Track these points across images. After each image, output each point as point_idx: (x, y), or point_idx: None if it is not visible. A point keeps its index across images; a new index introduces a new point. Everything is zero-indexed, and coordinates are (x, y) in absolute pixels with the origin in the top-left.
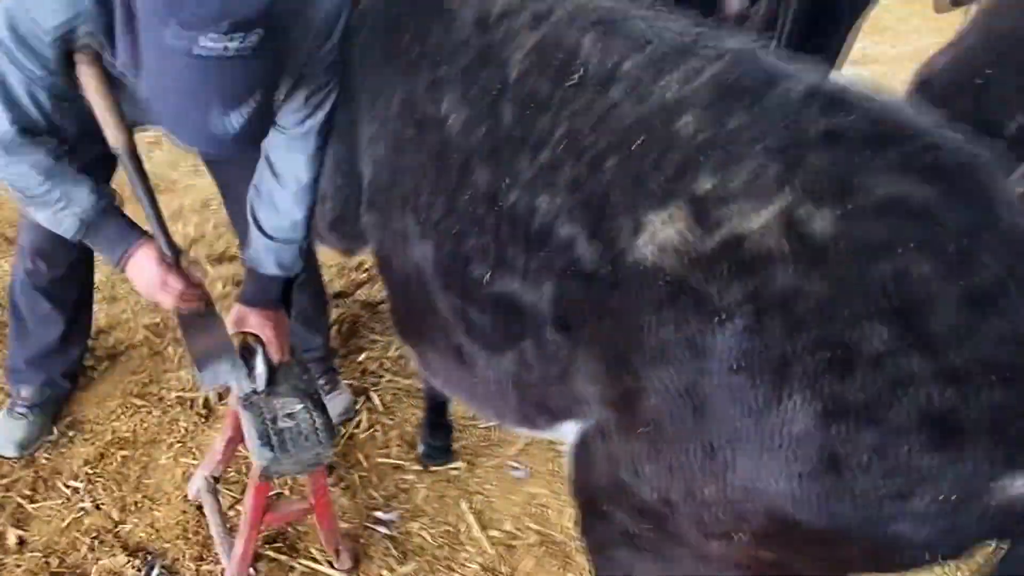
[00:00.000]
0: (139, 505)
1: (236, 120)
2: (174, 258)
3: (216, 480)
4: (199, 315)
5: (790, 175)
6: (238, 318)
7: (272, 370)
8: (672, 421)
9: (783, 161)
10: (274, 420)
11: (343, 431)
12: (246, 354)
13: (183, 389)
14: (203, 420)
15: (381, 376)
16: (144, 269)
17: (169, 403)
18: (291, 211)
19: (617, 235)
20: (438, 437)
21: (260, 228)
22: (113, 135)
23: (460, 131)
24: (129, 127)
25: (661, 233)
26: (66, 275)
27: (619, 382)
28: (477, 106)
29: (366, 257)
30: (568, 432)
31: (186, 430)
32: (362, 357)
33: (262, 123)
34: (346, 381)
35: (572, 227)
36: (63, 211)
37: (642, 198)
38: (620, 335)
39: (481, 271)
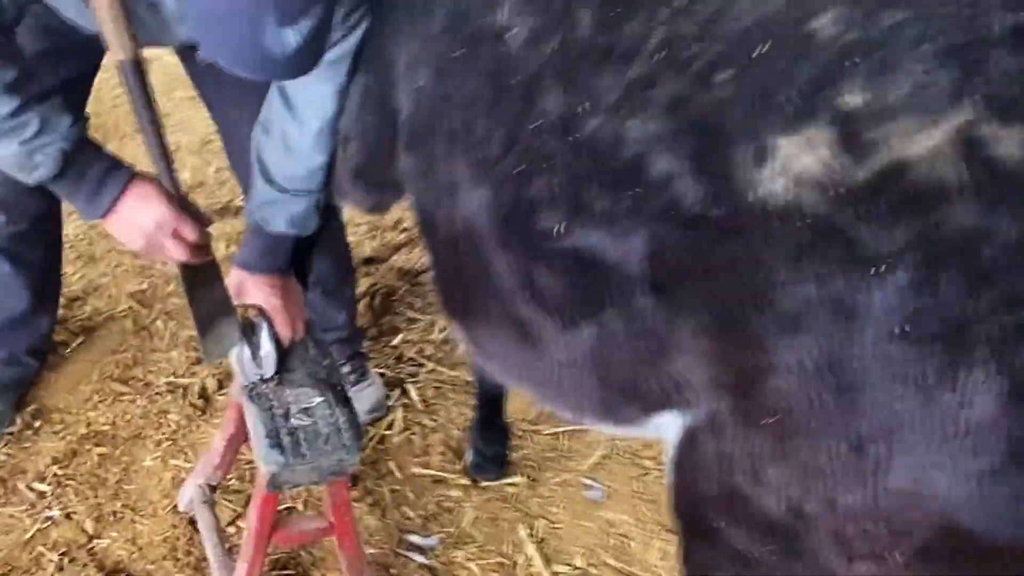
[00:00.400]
0: (118, 516)
1: (293, 37)
2: (181, 200)
3: (213, 489)
4: (206, 270)
5: (968, 84)
6: (236, 286)
7: (282, 352)
8: (809, 408)
9: (958, 66)
10: (286, 416)
11: (372, 433)
12: (248, 332)
13: (174, 374)
14: (198, 413)
15: (421, 365)
16: (144, 213)
17: (157, 390)
18: (309, 155)
19: (733, 167)
20: (491, 443)
21: (267, 176)
22: (121, 45)
23: (524, 45)
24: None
25: (796, 162)
26: (30, 230)
27: (736, 358)
28: (546, 12)
29: (403, 213)
30: (666, 428)
31: (177, 425)
32: (397, 340)
33: (319, 44)
34: (377, 370)
35: (672, 160)
36: (37, 141)
37: (768, 119)
38: (737, 296)
39: (551, 221)
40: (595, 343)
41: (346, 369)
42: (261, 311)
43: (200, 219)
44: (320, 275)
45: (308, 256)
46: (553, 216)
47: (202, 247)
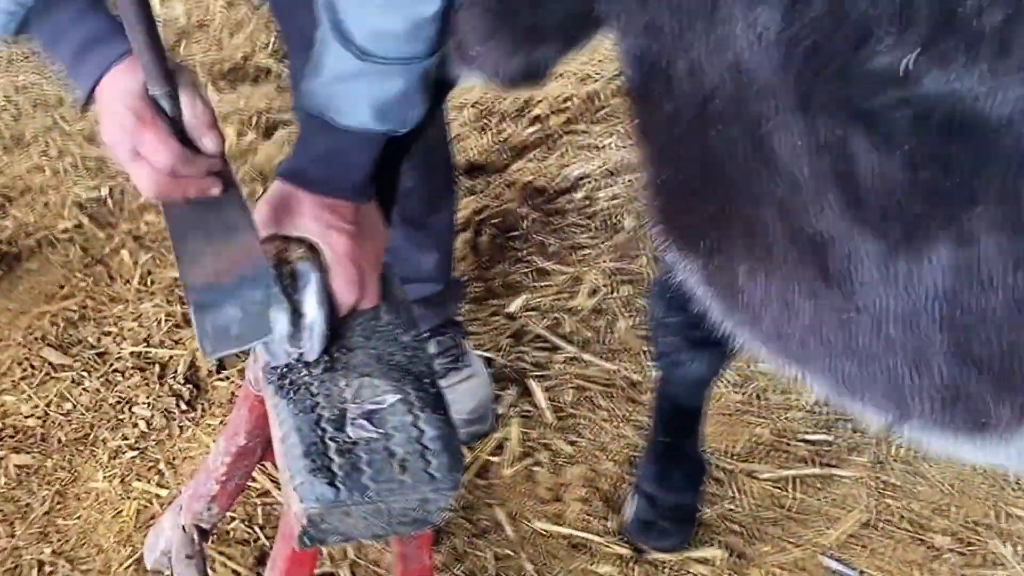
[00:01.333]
0: (50, 571)
1: None
2: (169, 95)
3: (205, 534)
4: (208, 209)
5: None
6: (278, 206)
7: (335, 320)
8: None
9: None
10: (339, 423)
11: (469, 458)
12: (286, 284)
13: (146, 340)
14: (183, 408)
15: (555, 348)
16: (112, 111)
17: (117, 366)
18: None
19: None
20: (672, 488)
21: (343, 34)
22: None
23: None
24: None
25: None
26: None
27: None
28: None
29: (537, 92)
30: None
31: (148, 425)
32: (516, 304)
33: None
34: (480, 352)
35: None
36: None
37: None
38: None
39: (893, 54)
40: (954, 279)
41: (434, 348)
42: (311, 253)
43: (197, 130)
44: (401, 195)
45: (396, 171)
46: (897, 45)
47: (195, 176)
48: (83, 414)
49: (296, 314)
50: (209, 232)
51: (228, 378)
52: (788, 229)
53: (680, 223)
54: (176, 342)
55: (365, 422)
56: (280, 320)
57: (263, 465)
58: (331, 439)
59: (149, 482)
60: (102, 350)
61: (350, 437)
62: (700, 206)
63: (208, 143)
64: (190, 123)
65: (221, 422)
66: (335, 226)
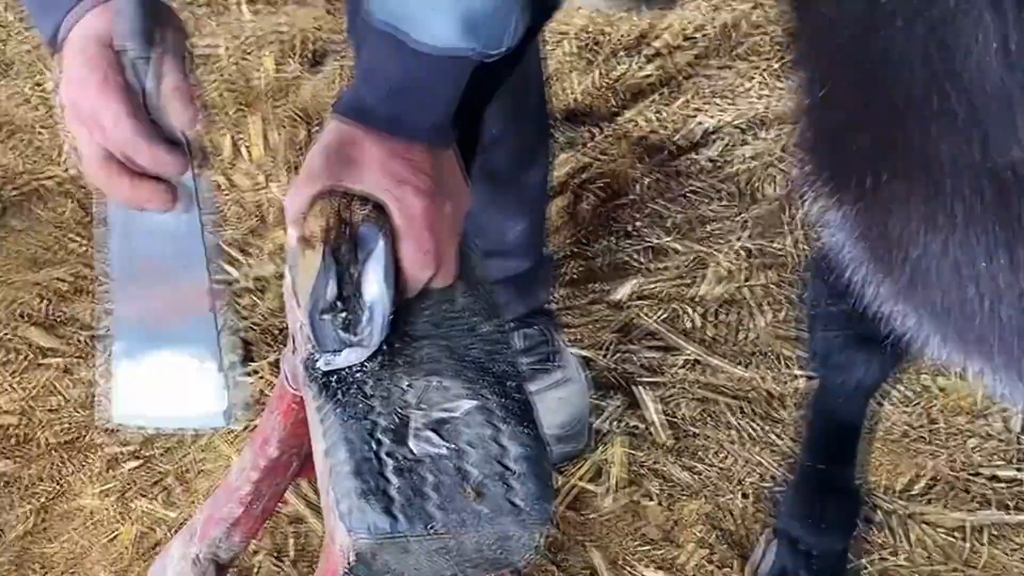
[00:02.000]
0: None
1: None
2: (144, 57)
3: (222, 569)
4: (161, 221)
5: None
6: (336, 152)
7: (398, 299)
8: None
9: None
10: (399, 434)
11: (561, 484)
12: (342, 251)
13: None
14: None
15: (670, 349)
16: (73, 61)
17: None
18: None
19: None
20: (821, 529)
21: None
22: None
23: None
24: None
25: None
26: None
27: None
28: None
29: (663, 21)
30: None
31: (144, 436)
32: (624, 291)
33: None
34: (577, 350)
35: None
36: None
37: None
38: None
39: None
40: None
41: (521, 343)
42: (377, 213)
43: (174, 98)
44: (484, 146)
45: (481, 112)
46: None
47: (157, 183)
48: (74, 412)
49: (352, 291)
50: (158, 253)
51: (257, 372)
52: (970, 161)
53: (836, 157)
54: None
55: (432, 434)
56: (327, 294)
57: (298, 484)
58: (389, 454)
59: (154, 500)
60: (100, 332)
61: (413, 453)
62: (862, 132)
63: (179, 124)
64: (164, 97)
65: (247, 427)
66: (408, 181)
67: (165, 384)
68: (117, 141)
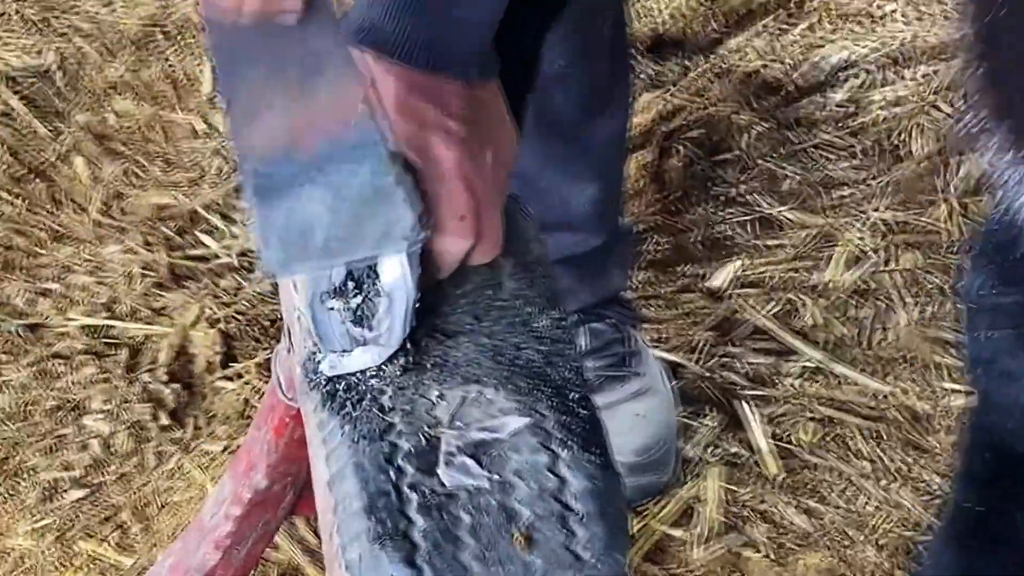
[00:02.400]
0: None
1: None
2: None
3: None
4: (282, 35)
5: None
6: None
7: (426, 282)
8: None
9: None
10: (426, 460)
11: (641, 526)
12: None
13: (109, 307)
14: (166, 422)
15: (787, 353)
16: None
17: (59, 346)
18: None
19: None
20: None
21: None
22: None
23: None
24: None
25: None
26: None
27: None
28: None
29: None
30: None
31: (107, 446)
32: (724, 276)
33: None
34: (665, 353)
35: None
36: None
37: None
38: None
39: None
40: None
41: (585, 342)
42: (404, 170)
43: None
44: (544, 85)
45: (537, 41)
46: None
47: None
48: (1, 424)
49: (366, 272)
50: (282, 69)
51: (240, 375)
52: None
53: (1018, 100)
54: (157, 311)
55: (470, 461)
56: (332, 277)
57: (293, 523)
58: (412, 486)
59: (104, 542)
60: (36, 321)
61: (444, 484)
62: None
63: None
64: None
65: (227, 449)
66: (434, 123)
67: (320, 214)
68: None
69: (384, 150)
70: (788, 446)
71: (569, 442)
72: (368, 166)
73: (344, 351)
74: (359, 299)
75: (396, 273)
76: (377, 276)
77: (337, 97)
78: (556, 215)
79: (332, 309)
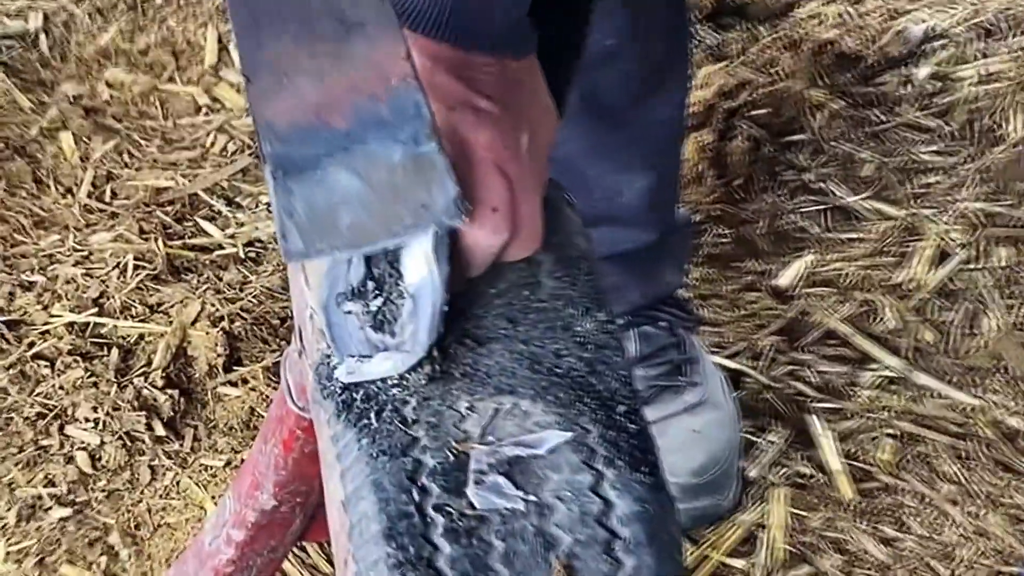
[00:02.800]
0: None
1: None
2: None
3: None
4: None
5: None
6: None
7: (460, 284)
8: None
9: None
10: (455, 478)
11: (696, 556)
12: None
13: (98, 303)
14: (161, 433)
15: (863, 361)
16: None
17: (42, 346)
18: None
19: None
20: None
21: None
22: None
23: None
24: None
25: None
26: None
27: None
28: None
29: None
30: None
31: (94, 459)
32: (791, 273)
33: None
34: (724, 360)
35: None
36: None
37: None
38: None
39: None
40: None
41: (632, 348)
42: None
43: None
44: (590, 62)
45: (583, 9)
46: None
47: None
48: None
49: (388, 269)
50: (315, 27)
51: (245, 380)
52: None
53: None
54: (152, 308)
55: (503, 480)
56: (350, 277)
57: (303, 549)
58: (438, 508)
59: (90, 568)
60: (16, 317)
61: (473, 506)
62: None
63: None
64: None
65: (230, 464)
66: (466, 102)
67: (359, 186)
68: None
69: (427, 113)
70: (863, 466)
71: (615, 460)
72: (408, 131)
73: (363, 357)
74: (380, 301)
75: (422, 272)
76: (400, 275)
77: (376, 57)
78: (604, 208)
79: (349, 312)
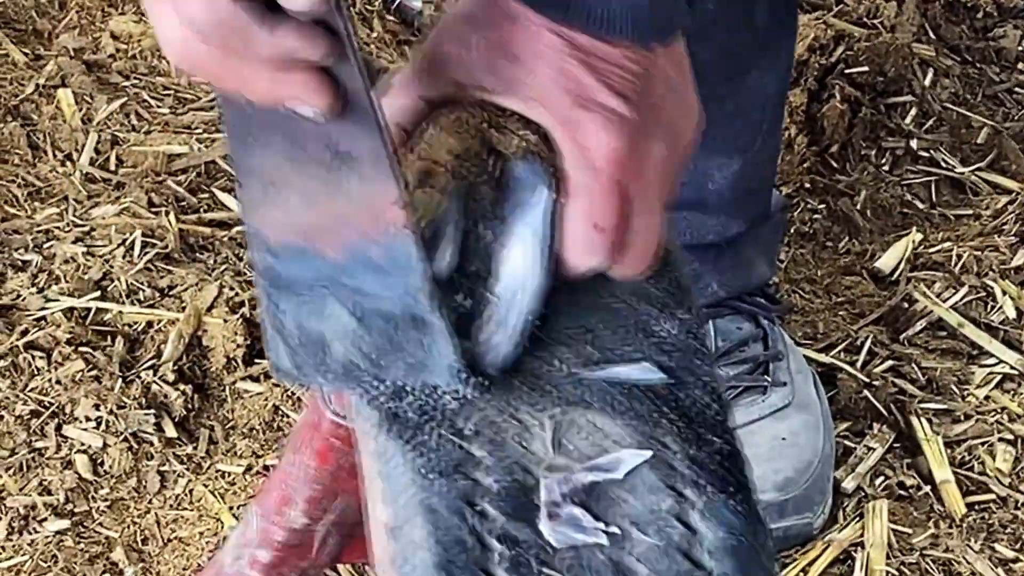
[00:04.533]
0: None
1: None
2: None
3: None
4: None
5: None
6: (482, 26)
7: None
8: None
9: None
10: (518, 503)
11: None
12: (480, 194)
13: (100, 285)
14: (173, 434)
15: (977, 356)
16: None
17: (37, 334)
18: None
19: None
20: None
21: None
22: None
23: None
24: None
25: None
26: None
27: None
28: None
29: None
30: None
31: (96, 464)
32: (893, 254)
33: None
34: (816, 353)
35: None
36: None
37: None
38: None
39: None
40: None
41: (713, 344)
42: (542, 146)
43: None
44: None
45: None
46: None
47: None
48: None
49: (480, 265)
50: (304, 156)
51: (269, 375)
52: None
53: None
54: (163, 292)
55: (579, 511)
56: (448, 252)
57: (334, 569)
58: (500, 537)
59: None
60: (8, 302)
61: (550, 544)
62: None
63: None
64: None
65: (250, 470)
66: (594, 99)
67: (349, 328)
68: (194, 17)
69: (423, 269)
70: (976, 476)
71: (702, 482)
72: (403, 285)
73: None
74: (462, 297)
75: (518, 277)
76: (494, 276)
77: (369, 197)
78: (687, 193)
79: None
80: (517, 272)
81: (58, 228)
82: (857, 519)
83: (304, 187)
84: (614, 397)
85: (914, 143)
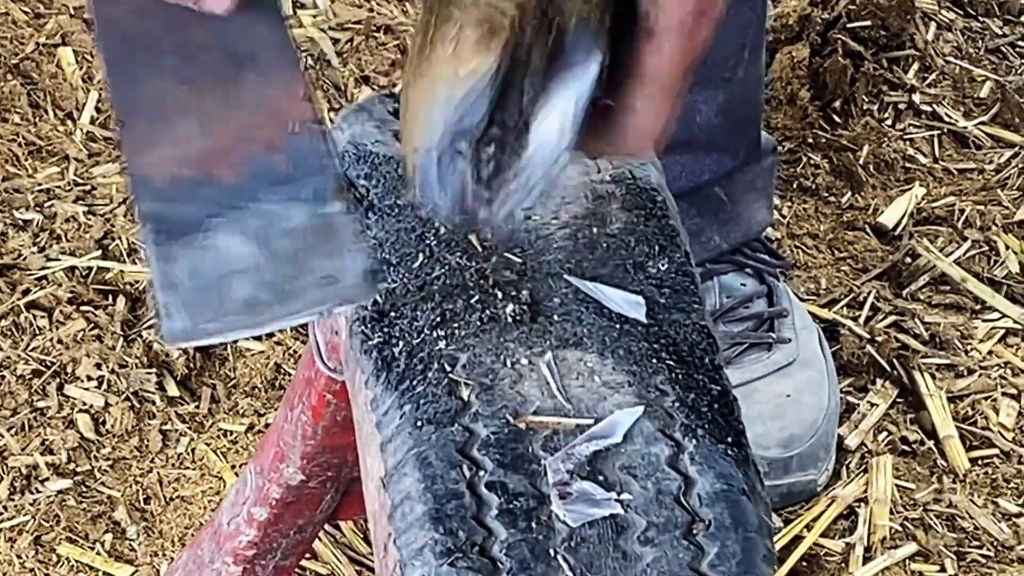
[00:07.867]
0: None
1: None
2: None
3: None
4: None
5: None
6: None
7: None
8: None
9: None
10: (511, 450)
11: (787, 537)
12: (530, 53)
13: (102, 244)
14: (174, 393)
15: (981, 311)
16: None
17: (39, 294)
18: None
19: None
20: None
21: None
22: None
23: None
24: None
25: None
26: None
27: None
28: None
29: None
30: None
31: (98, 423)
32: (897, 209)
33: None
34: (819, 308)
35: None
36: None
37: None
38: None
39: None
40: None
41: (712, 298)
42: (597, 17)
43: None
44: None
45: None
46: None
47: None
48: None
49: (517, 120)
50: (199, 68)
51: (270, 334)
52: None
53: None
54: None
55: (589, 486)
56: (486, 102)
57: (338, 528)
58: (491, 486)
59: (93, 547)
60: (9, 261)
61: (538, 487)
62: None
63: None
64: None
65: (252, 428)
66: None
67: (252, 254)
68: None
69: (332, 168)
70: (979, 430)
71: (696, 429)
72: (310, 188)
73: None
74: (492, 149)
75: (552, 134)
76: (526, 132)
77: (271, 100)
78: (678, 134)
79: (459, 153)
80: (550, 135)
81: (59, 187)
82: (861, 475)
83: (199, 108)
84: (609, 335)
85: (917, 97)
